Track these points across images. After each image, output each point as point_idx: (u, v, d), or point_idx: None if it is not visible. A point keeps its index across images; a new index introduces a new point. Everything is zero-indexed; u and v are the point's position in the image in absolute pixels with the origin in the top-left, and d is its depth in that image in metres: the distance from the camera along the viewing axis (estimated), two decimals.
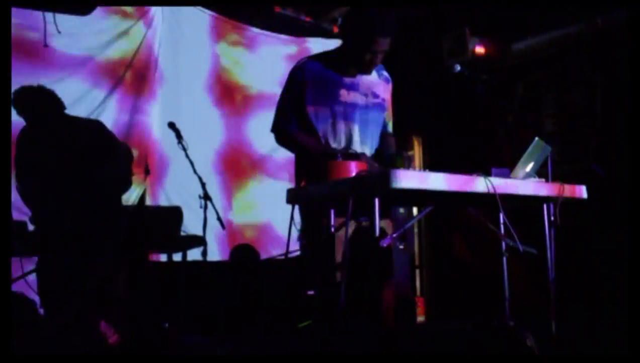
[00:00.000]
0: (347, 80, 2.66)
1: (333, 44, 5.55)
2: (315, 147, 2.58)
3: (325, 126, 2.61)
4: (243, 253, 4.52)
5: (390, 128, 2.88)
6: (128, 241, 3.45)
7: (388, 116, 2.86)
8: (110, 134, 3.69)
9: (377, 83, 2.76)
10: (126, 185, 3.77)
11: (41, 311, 3.38)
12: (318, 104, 2.60)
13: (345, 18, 2.75)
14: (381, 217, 2.61)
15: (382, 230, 2.26)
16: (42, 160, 3.41)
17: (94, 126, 3.68)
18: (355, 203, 2.16)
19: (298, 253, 3.43)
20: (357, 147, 2.64)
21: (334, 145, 2.61)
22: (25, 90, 3.45)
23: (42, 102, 3.47)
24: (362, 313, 2.68)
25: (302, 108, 2.61)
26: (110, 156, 3.57)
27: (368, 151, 2.68)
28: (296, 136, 2.63)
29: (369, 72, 2.68)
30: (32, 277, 3.42)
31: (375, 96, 2.73)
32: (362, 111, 2.67)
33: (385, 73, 2.83)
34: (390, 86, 2.85)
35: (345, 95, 2.64)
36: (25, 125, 3.49)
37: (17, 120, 3.41)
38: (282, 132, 2.66)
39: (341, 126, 2.63)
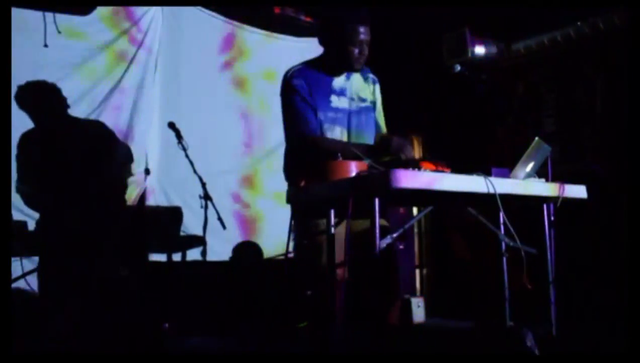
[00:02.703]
0: (337, 86, 2.68)
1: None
2: (345, 148, 2.49)
3: (322, 131, 2.60)
4: (245, 250, 4.51)
5: (383, 128, 2.85)
6: (128, 241, 3.45)
7: (379, 116, 2.84)
8: (111, 135, 3.70)
9: (363, 87, 2.77)
10: (125, 187, 3.77)
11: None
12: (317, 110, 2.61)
13: (321, 26, 2.75)
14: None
15: (383, 229, 2.25)
16: (45, 161, 3.41)
17: (96, 127, 3.69)
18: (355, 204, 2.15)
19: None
20: None
21: None
22: (29, 86, 3.45)
23: (45, 100, 3.48)
24: (363, 313, 2.68)
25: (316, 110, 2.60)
26: (111, 157, 3.58)
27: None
28: (322, 140, 2.58)
29: (359, 67, 2.68)
30: (32, 277, 3.42)
31: (362, 100, 2.75)
32: (352, 116, 2.69)
33: (371, 75, 2.84)
34: (378, 87, 2.84)
35: (335, 101, 2.67)
36: (28, 129, 3.50)
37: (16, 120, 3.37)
38: (305, 137, 2.57)
39: (336, 132, 2.63)
